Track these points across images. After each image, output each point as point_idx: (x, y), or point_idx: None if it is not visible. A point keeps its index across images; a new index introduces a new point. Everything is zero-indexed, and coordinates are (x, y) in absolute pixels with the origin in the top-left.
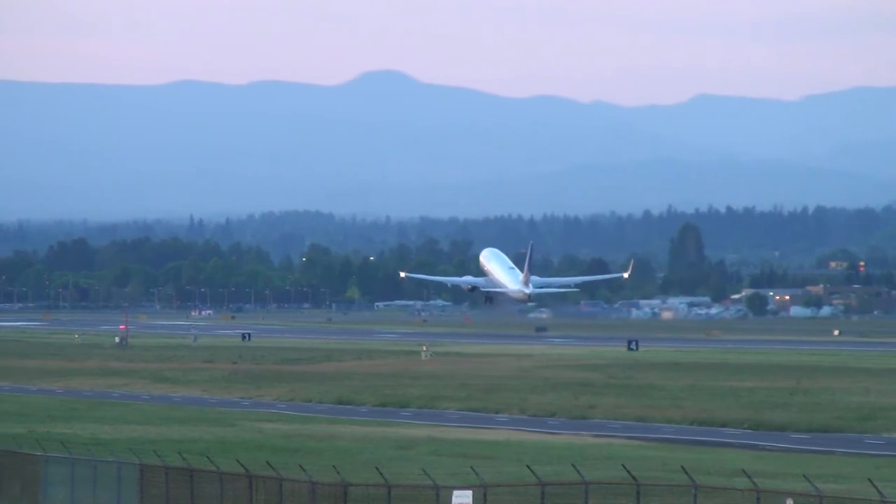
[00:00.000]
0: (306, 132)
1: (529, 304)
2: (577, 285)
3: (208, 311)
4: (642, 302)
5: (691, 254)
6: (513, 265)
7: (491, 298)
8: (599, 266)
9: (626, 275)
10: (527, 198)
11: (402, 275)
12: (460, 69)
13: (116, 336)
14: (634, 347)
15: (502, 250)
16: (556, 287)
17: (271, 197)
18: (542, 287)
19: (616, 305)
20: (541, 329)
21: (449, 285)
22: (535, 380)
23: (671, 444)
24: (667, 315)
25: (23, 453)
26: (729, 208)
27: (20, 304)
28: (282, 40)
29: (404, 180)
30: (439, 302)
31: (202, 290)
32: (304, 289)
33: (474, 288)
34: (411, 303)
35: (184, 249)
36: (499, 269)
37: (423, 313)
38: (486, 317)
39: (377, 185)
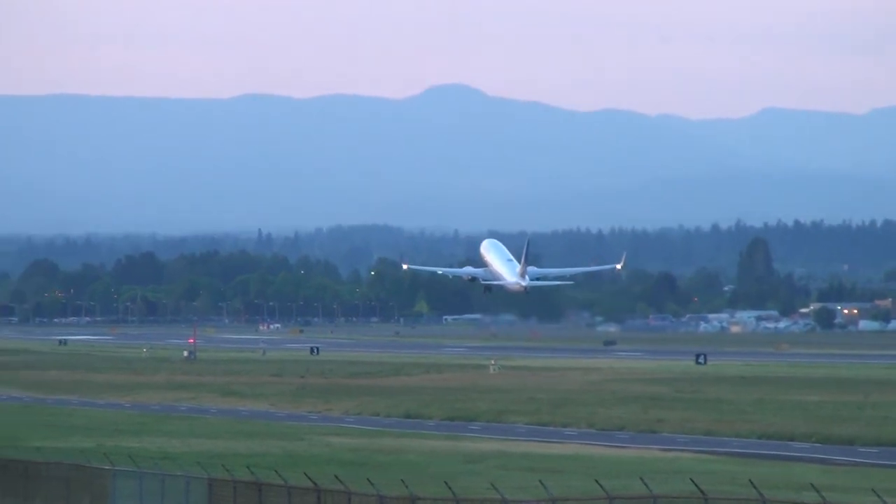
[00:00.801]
0: (374, 145)
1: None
2: (571, 277)
3: (276, 325)
4: (710, 316)
5: (759, 268)
6: (511, 257)
7: (490, 289)
8: (667, 280)
9: (619, 266)
10: (594, 211)
11: (405, 266)
12: (527, 82)
13: (185, 350)
14: (703, 361)
15: (569, 264)
16: (552, 278)
17: (339, 210)
18: (538, 278)
19: (684, 319)
20: (609, 343)
21: (450, 276)
22: (604, 394)
23: (739, 457)
24: (735, 329)
25: (91, 467)
26: (797, 222)
27: (88, 318)
28: (349, 54)
29: (472, 194)
30: (508, 316)
31: (270, 303)
32: (373, 302)
33: (474, 278)
34: (479, 316)
35: (252, 263)
36: (497, 260)
37: (491, 327)
38: (554, 331)
39: (445, 198)
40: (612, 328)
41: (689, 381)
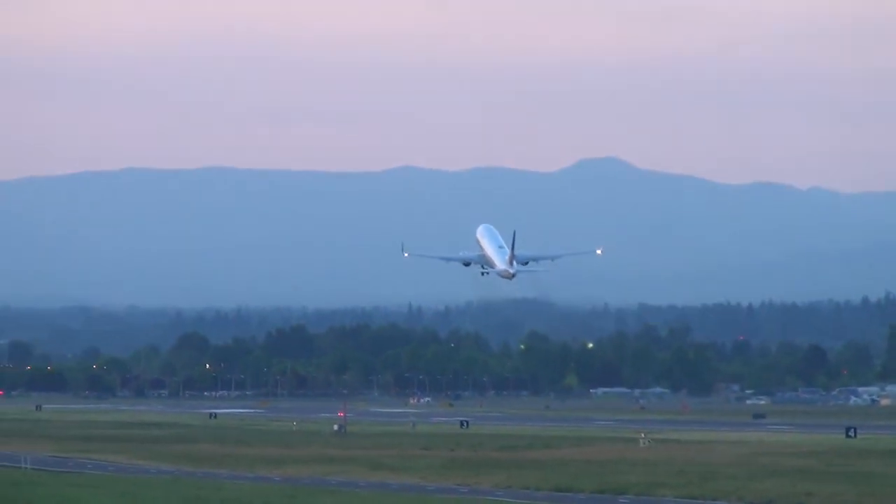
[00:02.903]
0: (525, 218)
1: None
2: (553, 259)
3: (427, 399)
4: (860, 389)
5: None
6: (503, 244)
7: (486, 273)
8: (817, 353)
9: (598, 251)
10: (745, 285)
11: (406, 254)
12: (678, 156)
13: (335, 423)
14: (853, 435)
15: (720, 337)
16: (540, 266)
17: (492, 284)
18: (524, 263)
19: (834, 392)
20: (758, 416)
21: (447, 262)
22: (753, 467)
23: None
24: (885, 402)
25: None
26: None
27: (238, 392)
28: (501, 126)
29: (622, 267)
30: (657, 389)
31: (421, 377)
32: (523, 376)
33: (468, 263)
34: (629, 390)
35: (402, 336)
36: (489, 246)
37: (641, 400)
38: (703, 403)
39: (595, 271)
40: (762, 401)
41: (839, 455)
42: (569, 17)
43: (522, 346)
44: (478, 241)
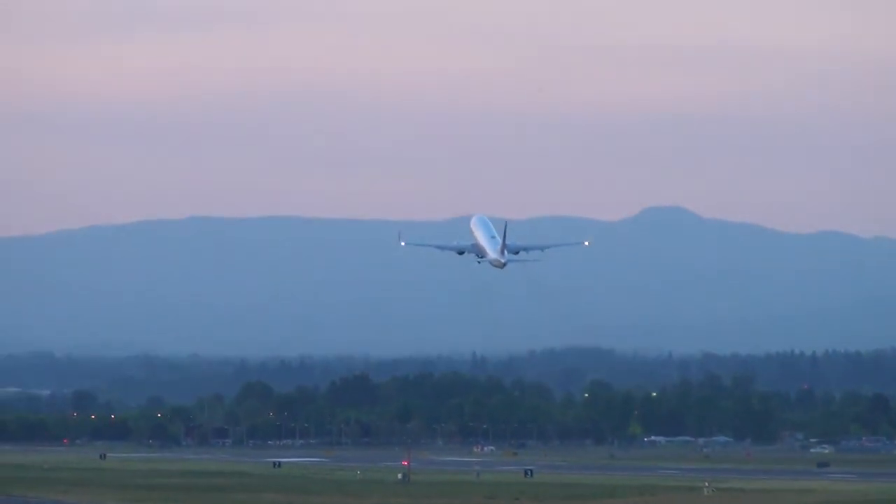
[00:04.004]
0: (588, 267)
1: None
2: (543, 249)
3: (490, 448)
4: None
5: None
6: (495, 234)
7: (480, 262)
8: (881, 402)
9: (587, 242)
10: (808, 333)
11: (403, 243)
12: (742, 204)
13: (399, 472)
14: None
15: (784, 386)
16: (530, 256)
17: (553, 333)
18: (515, 252)
19: None
20: (823, 464)
21: (442, 251)
22: None
23: None
24: None
25: None
26: None
27: (302, 440)
28: (564, 174)
29: (686, 316)
30: (721, 438)
31: (485, 426)
32: (586, 424)
33: (462, 252)
34: (693, 438)
35: (466, 385)
36: (483, 236)
37: (705, 449)
38: (768, 452)
39: (659, 320)
40: (826, 450)
41: None
42: (631, 68)
43: (586, 395)
44: (472, 232)
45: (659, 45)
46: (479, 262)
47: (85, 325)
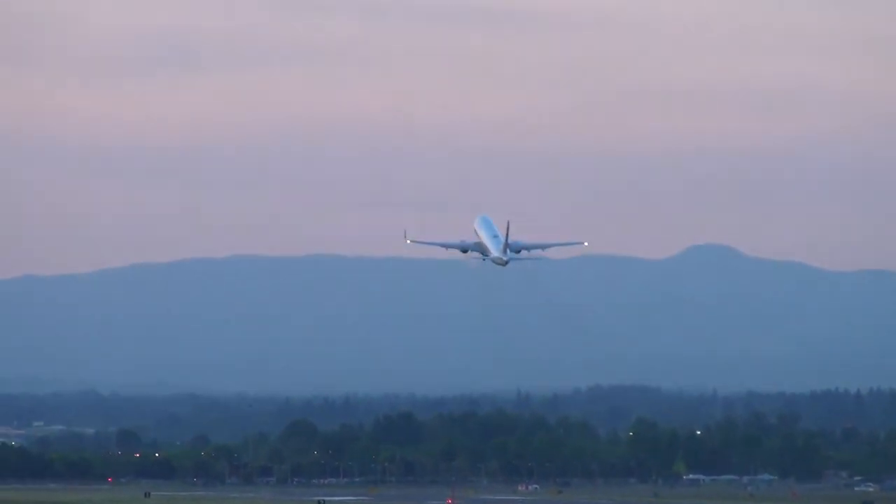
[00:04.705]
0: (633, 305)
1: None
2: (544, 248)
3: (535, 486)
4: None
5: None
6: (497, 233)
7: (484, 259)
8: None
9: (585, 243)
10: (853, 371)
11: (408, 241)
12: (786, 243)
13: None
14: None
15: (828, 424)
16: (532, 255)
17: (597, 370)
18: (517, 251)
19: None
20: (867, 502)
21: (447, 248)
22: None
23: None
24: None
25: None
26: None
27: (346, 479)
28: (609, 213)
29: (731, 354)
30: (766, 476)
31: (529, 464)
32: (631, 463)
33: (466, 250)
34: (738, 477)
35: (510, 423)
36: (486, 235)
37: (749, 487)
38: (812, 489)
39: (703, 358)
40: (871, 488)
41: None
42: (675, 109)
43: (631, 433)
44: (475, 231)
45: (704, 88)
46: (483, 260)
47: (130, 363)
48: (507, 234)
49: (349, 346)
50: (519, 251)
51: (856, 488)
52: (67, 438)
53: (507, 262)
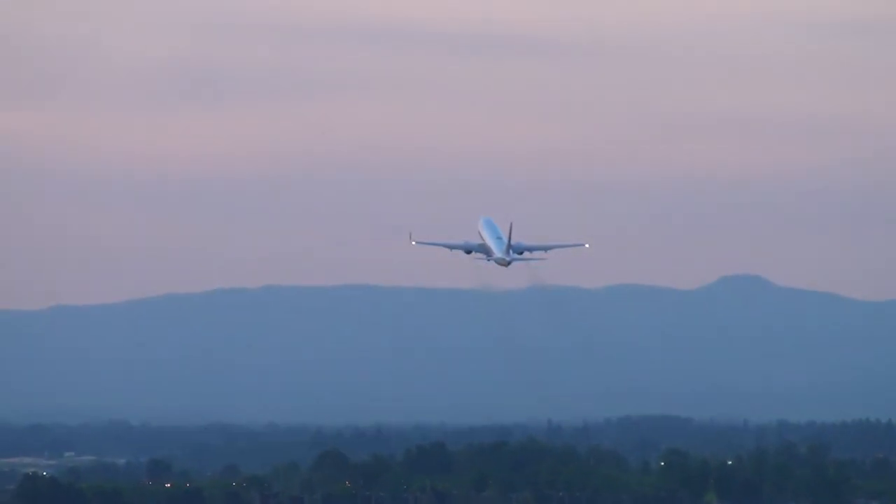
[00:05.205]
0: (663, 336)
1: None
2: (546, 250)
3: None
4: None
5: None
6: (501, 235)
7: (488, 260)
8: None
9: (586, 245)
10: (884, 401)
11: (413, 242)
12: (817, 273)
13: None
14: None
15: (859, 455)
16: (533, 256)
17: (629, 401)
18: (520, 253)
19: None
20: None
21: (451, 250)
22: None
23: None
24: None
25: None
26: None
27: None
28: (640, 243)
29: (762, 384)
30: None
31: (560, 493)
32: (662, 493)
33: (469, 251)
34: None
35: (541, 453)
36: (489, 237)
37: None
38: None
39: (734, 388)
40: None
41: None
42: (706, 139)
43: (662, 463)
44: (479, 232)
45: (736, 117)
46: (487, 261)
47: (160, 393)
48: (509, 236)
49: (380, 376)
50: (521, 252)
51: None
52: (98, 469)
53: (509, 263)
